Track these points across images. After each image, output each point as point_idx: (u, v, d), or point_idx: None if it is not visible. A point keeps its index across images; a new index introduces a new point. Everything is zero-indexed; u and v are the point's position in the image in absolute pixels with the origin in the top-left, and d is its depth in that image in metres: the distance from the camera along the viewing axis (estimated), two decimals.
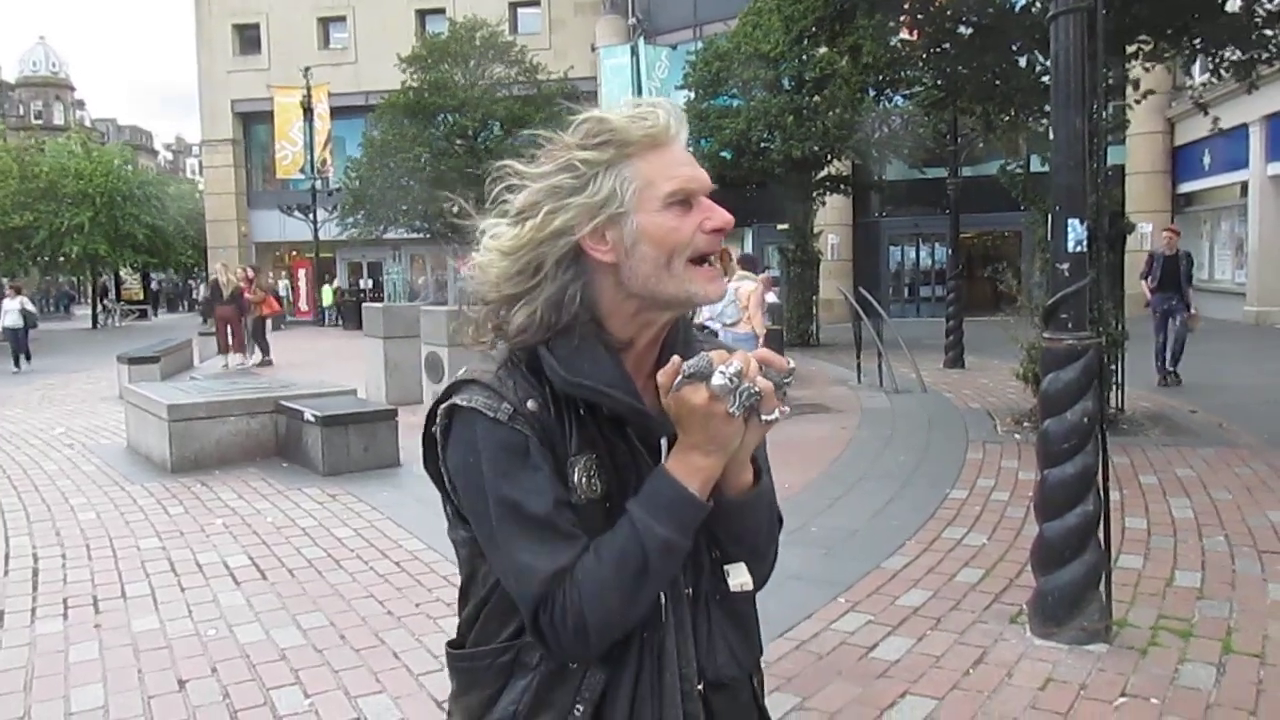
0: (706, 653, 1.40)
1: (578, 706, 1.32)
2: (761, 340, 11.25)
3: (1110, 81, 9.47)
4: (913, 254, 29.01)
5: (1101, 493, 4.36)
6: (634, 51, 25.52)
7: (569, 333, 1.32)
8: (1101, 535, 4.38)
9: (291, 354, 20.85)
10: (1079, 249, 4.22)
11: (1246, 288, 20.80)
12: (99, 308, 41.13)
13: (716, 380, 1.22)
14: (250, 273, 20.88)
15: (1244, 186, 20.75)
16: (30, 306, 22.45)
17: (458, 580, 1.47)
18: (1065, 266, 4.25)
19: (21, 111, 72.41)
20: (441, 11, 32.61)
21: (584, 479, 1.31)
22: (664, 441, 1.35)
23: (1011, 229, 24.85)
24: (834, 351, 17.07)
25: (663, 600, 1.34)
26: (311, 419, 8.38)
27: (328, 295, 33.52)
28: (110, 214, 36.06)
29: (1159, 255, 12.20)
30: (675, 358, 1.26)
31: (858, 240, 27.91)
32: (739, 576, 1.40)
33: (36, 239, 34.63)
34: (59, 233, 34.77)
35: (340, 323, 30.83)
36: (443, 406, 1.34)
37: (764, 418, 1.27)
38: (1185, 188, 24.22)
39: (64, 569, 5.92)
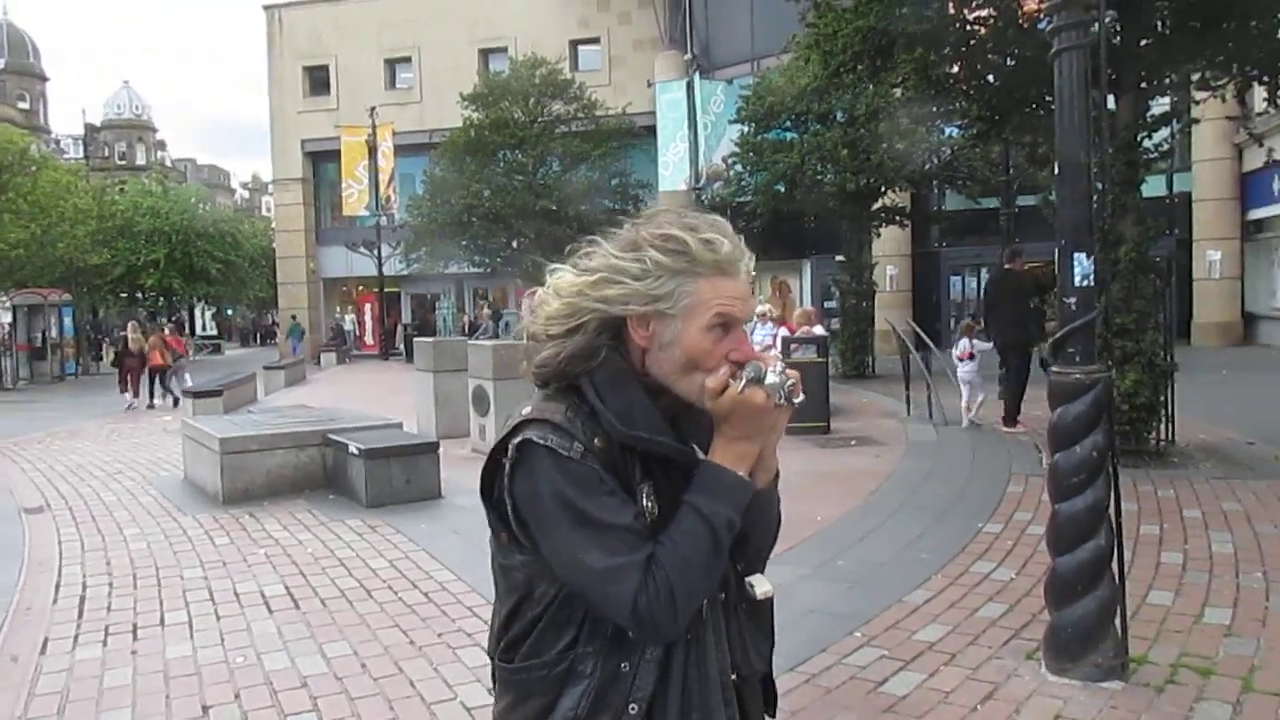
0: (740, 651, 1.64)
1: (631, 705, 1.51)
2: None
3: (1174, 106, 9.38)
4: (973, 284, 28.60)
5: (1114, 527, 4.31)
6: (690, 86, 25.66)
7: (604, 369, 1.52)
8: (1116, 570, 4.32)
9: (351, 387, 21.35)
10: (1085, 283, 4.20)
11: None
12: None
13: (770, 380, 1.47)
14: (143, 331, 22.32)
15: None
16: None
17: (482, 611, 1.64)
18: (1072, 301, 4.24)
19: (106, 153, 75.09)
20: (504, 50, 33.12)
21: (648, 503, 1.52)
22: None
23: None
24: (888, 383, 16.90)
25: (703, 604, 1.55)
26: (355, 452, 8.57)
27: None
28: (185, 250, 37.28)
29: None
30: (724, 369, 1.49)
31: (917, 271, 27.68)
32: (763, 586, 1.64)
33: (114, 274, 35.92)
34: (135, 268, 36.02)
35: (404, 356, 31.37)
36: (514, 442, 1.49)
37: (794, 401, 1.51)
38: (1255, 214, 23.64)
39: (109, 597, 6.15)
